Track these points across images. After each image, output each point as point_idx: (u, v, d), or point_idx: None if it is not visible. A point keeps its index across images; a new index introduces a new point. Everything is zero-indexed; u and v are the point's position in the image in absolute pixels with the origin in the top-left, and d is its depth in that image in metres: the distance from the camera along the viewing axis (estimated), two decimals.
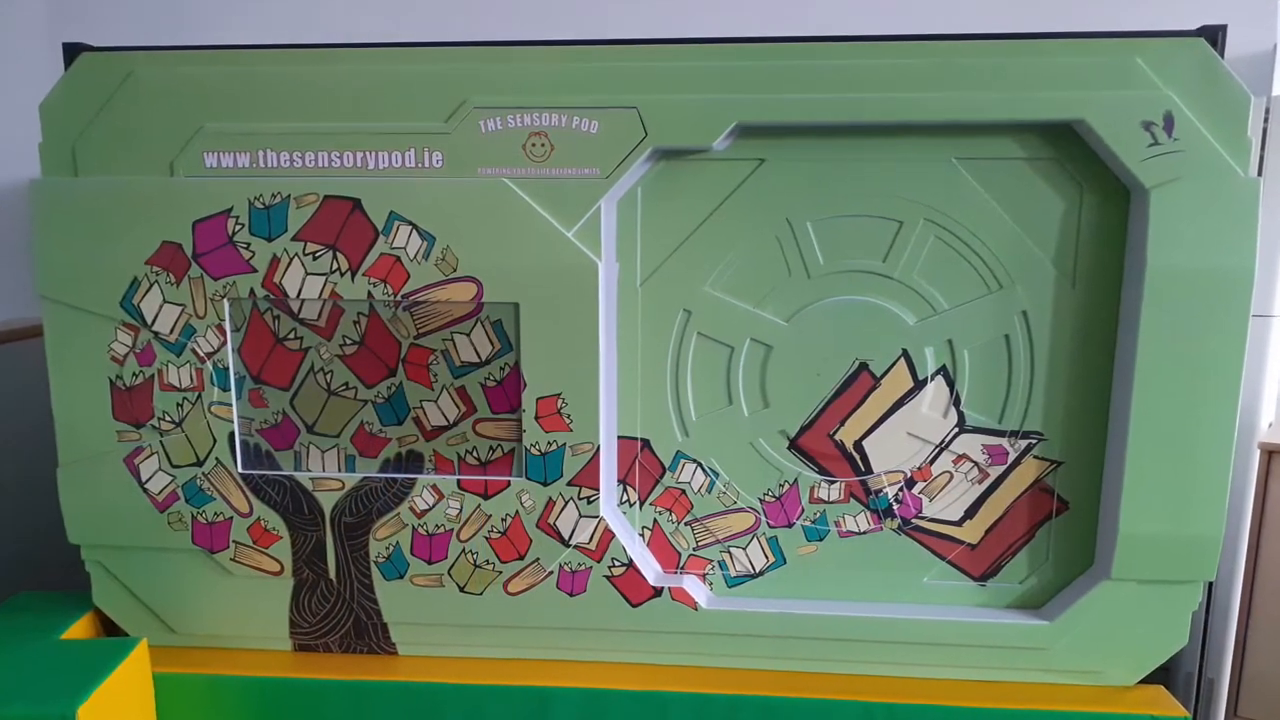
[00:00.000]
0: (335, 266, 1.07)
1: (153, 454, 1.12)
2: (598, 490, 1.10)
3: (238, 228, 1.06)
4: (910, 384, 1.10)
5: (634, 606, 1.13)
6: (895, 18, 1.34)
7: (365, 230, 1.06)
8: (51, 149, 1.07)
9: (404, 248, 1.06)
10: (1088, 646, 1.09)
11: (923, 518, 1.13)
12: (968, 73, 0.99)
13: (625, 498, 1.15)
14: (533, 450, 1.09)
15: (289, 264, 1.07)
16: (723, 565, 1.16)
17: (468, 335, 1.09)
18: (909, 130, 1.03)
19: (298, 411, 1.13)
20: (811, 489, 1.13)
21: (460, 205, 1.04)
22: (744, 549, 1.16)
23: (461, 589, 1.14)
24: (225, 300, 1.08)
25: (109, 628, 1.20)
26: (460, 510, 1.12)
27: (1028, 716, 1.08)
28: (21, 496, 1.38)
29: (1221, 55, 0.97)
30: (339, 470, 1.14)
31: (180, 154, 1.06)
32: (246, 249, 1.07)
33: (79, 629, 1.16)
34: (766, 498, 1.14)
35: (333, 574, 1.15)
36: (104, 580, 1.17)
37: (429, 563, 1.14)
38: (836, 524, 1.14)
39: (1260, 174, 1.15)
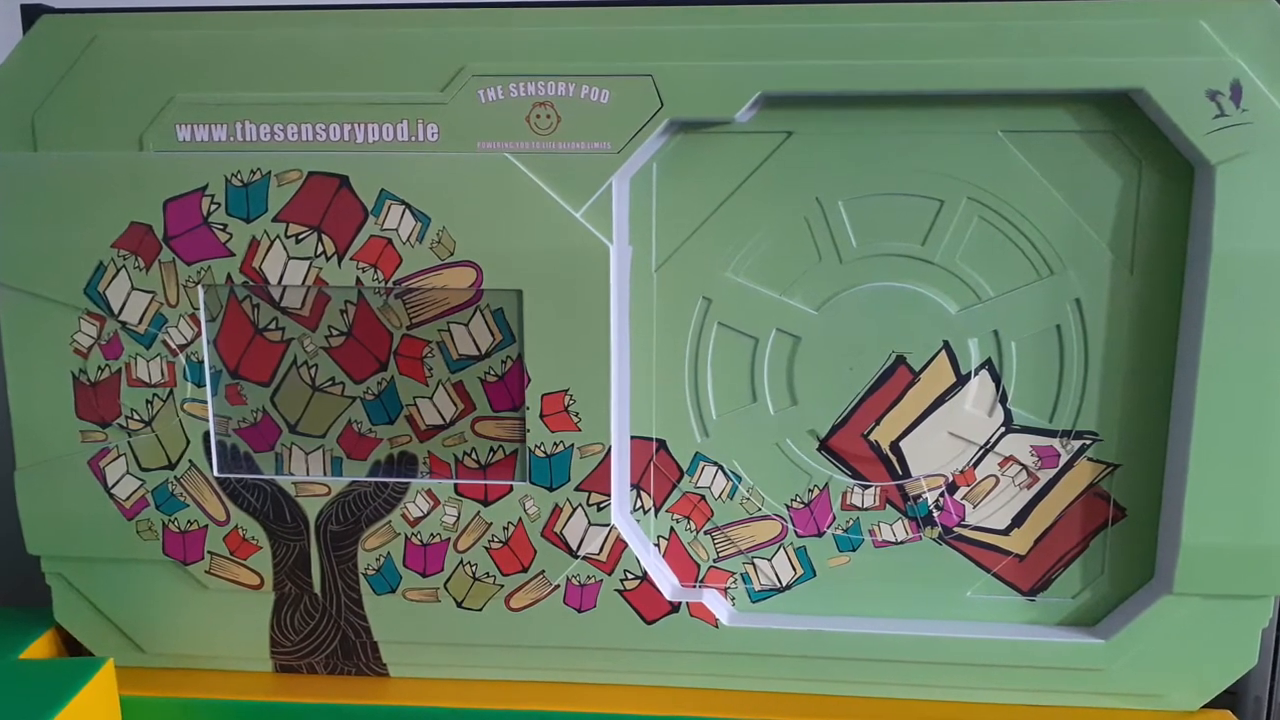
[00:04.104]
0: (320, 250, 1.05)
1: (120, 456, 1.10)
2: (609, 496, 1.08)
3: (213, 207, 1.04)
4: (952, 379, 1.08)
5: (648, 623, 1.12)
6: None
7: (353, 210, 1.04)
8: (8, 121, 1.04)
9: (396, 229, 1.04)
10: (1148, 667, 1.08)
11: (966, 526, 1.11)
12: (1015, 37, 0.97)
13: (639, 504, 1.13)
14: (537, 452, 1.08)
15: (269, 247, 1.05)
16: (746, 578, 1.14)
17: (466, 325, 1.07)
18: (950, 101, 1.01)
19: (279, 409, 1.11)
20: (844, 494, 1.11)
21: (458, 183, 1.02)
22: (769, 560, 1.14)
23: (459, 604, 1.12)
24: (200, 287, 1.06)
25: (72, 647, 1.18)
26: (458, 518, 1.10)
27: None
28: None
29: None
30: (324, 474, 1.12)
31: (150, 126, 1.04)
32: (223, 230, 1.05)
33: (39, 648, 1.14)
34: (794, 504, 1.12)
35: (318, 588, 1.13)
36: (66, 595, 1.15)
37: (423, 575, 1.12)
38: (871, 533, 1.12)
39: None
